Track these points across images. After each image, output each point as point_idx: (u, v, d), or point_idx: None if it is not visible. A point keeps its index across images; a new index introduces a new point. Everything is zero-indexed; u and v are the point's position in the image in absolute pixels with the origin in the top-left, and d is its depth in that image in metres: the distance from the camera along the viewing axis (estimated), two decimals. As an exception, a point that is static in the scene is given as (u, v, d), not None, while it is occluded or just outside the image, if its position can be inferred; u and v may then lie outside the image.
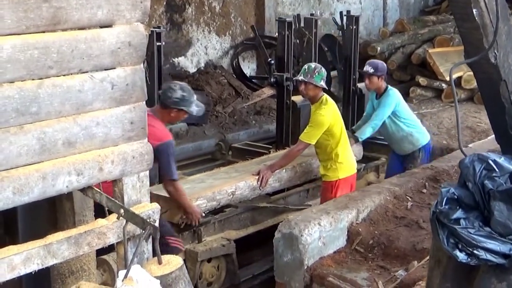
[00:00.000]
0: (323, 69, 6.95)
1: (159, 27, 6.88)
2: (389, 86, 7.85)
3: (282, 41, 8.29)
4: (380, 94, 7.79)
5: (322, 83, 6.82)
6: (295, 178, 7.28)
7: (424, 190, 6.87)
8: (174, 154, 5.54)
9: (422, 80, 12.02)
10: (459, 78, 11.52)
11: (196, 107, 5.68)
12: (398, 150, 7.97)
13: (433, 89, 12.11)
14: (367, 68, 7.71)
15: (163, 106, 5.58)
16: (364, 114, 8.21)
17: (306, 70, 6.82)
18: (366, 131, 7.71)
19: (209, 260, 6.24)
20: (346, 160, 6.96)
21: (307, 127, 6.87)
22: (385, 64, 8.08)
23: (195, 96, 5.74)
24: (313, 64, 7.04)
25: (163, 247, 5.37)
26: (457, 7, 4.60)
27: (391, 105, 7.67)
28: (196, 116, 6.04)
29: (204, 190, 6.35)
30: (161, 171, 5.45)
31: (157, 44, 6.64)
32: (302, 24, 8.64)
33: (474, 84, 10.45)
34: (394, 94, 7.73)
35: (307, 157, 7.38)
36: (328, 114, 6.79)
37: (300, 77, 6.86)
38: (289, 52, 8.27)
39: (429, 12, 15.46)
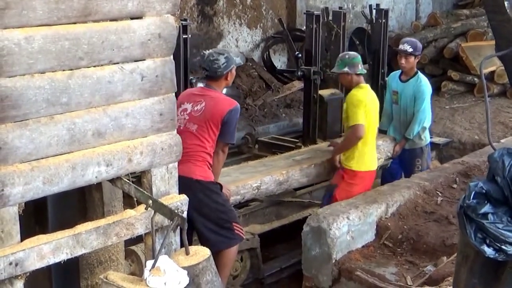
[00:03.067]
0: (347, 55, 6.97)
1: (185, 20, 6.86)
2: (418, 71, 7.56)
3: (310, 34, 8.24)
4: (409, 76, 7.43)
5: (346, 69, 6.78)
6: (324, 174, 7.24)
7: (455, 185, 6.81)
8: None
9: (454, 75, 11.90)
10: (492, 72, 11.38)
11: (237, 57, 5.81)
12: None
13: (465, 84, 11.98)
14: (405, 47, 7.32)
15: (216, 77, 5.60)
16: (384, 107, 7.87)
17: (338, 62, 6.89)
18: (414, 129, 7.37)
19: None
20: (369, 154, 6.85)
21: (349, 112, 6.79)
22: (421, 44, 7.77)
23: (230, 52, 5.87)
24: (340, 55, 7.12)
25: (229, 233, 5.43)
26: (489, -1, 4.55)
27: (428, 96, 7.38)
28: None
29: (228, 184, 6.33)
30: (223, 136, 5.44)
31: (184, 36, 6.63)
32: (330, 18, 8.59)
33: (506, 78, 10.32)
34: (428, 84, 7.50)
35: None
36: (363, 95, 6.78)
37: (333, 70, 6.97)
38: (317, 45, 8.21)
39: (462, 6, 15.27)
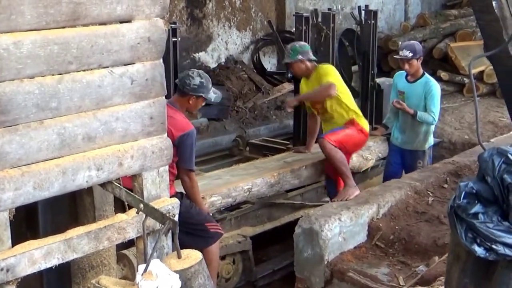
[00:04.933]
0: (297, 44, 7.32)
1: (175, 23, 6.86)
2: (425, 73, 7.57)
3: (299, 36, 8.25)
4: (416, 77, 7.42)
5: (300, 57, 7.08)
6: (315, 176, 7.25)
7: (446, 185, 6.83)
8: (195, 145, 5.53)
9: (443, 75, 11.94)
10: (481, 72, 11.44)
11: (213, 94, 5.67)
12: (408, 142, 7.56)
13: (455, 84, 12.03)
14: (405, 53, 7.30)
15: (181, 94, 5.54)
16: (391, 107, 7.92)
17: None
18: (425, 116, 7.33)
19: (224, 257, 6.22)
20: (363, 117, 7.20)
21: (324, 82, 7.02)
22: (420, 44, 7.82)
23: (211, 84, 5.76)
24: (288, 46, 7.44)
25: (204, 234, 5.41)
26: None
27: (439, 96, 7.42)
28: (217, 111, 6.06)
29: (219, 186, 6.33)
30: (180, 161, 5.40)
31: (173, 40, 6.63)
32: (319, 19, 8.60)
33: (496, 78, 10.36)
34: (438, 85, 7.49)
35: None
36: (328, 67, 7.18)
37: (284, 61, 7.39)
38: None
39: (451, 6, 15.34)
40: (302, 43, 7.48)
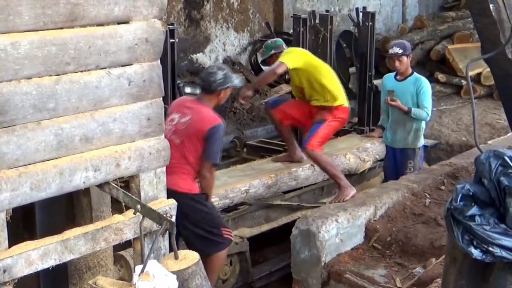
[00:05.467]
0: (269, 41, 7.50)
1: (172, 24, 6.86)
2: (414, 71, 7.68)
3: (297, 37, 8.26)
4: (405, 75, 7.54)
5: (273, 51, 7.20)
6: (313, 177, 7.25)
7: (443, 187, 6.83)
8: (221, 139, 5.57)
9: (441, 77, 11.95)
10: (479, 74, 11.44)
11: (236, 79, 5.75)
12: (399, 141, 7.61)
13: (452, 86, 12.04)
14: (395, 50, 7.47)
15: (209, 92, 5.56)
16: (382, 106, 7.99)
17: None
18: (418, 111, 7.41)
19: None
20: (341, 92, 7.17)
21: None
22: (409, 43, 7.95)
23: (230, 71, 5.85)
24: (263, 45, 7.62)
25: (218, 238, 5.43)
26: (474, 2, 4.59)
27: (430, 93, 7.53)
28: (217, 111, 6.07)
29: (216, 187, 6.31)
30: (206, 154, 5.38)
31: (171, 41, 6.62)
32: (317, 21, 8.61)
33: (493, 80, 10.37)
34: (428, 82, 7.62)
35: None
36: (292, 49, 7.31)
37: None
38: (304, 48, 8.23)
39: (448, 8, 15.36)
40: (274, 39, 7.64)
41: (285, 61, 6.83)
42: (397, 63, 7.49)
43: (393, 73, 7.72)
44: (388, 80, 7.73)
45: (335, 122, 7.07)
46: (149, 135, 4.16)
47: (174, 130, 5.41)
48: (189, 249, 5.32)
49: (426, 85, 7.49)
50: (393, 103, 7.39)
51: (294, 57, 7.00)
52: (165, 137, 4.96)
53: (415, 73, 7.63)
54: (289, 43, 10.81)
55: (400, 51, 7.43)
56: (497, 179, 3.40)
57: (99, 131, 3.88)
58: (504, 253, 3.37)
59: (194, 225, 5.32)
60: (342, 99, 7.10)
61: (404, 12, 15.19)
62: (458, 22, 13.13)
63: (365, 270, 5.62)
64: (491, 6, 4.35)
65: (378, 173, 8.20)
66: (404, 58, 7.46)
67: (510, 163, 3.42)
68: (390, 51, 7.57)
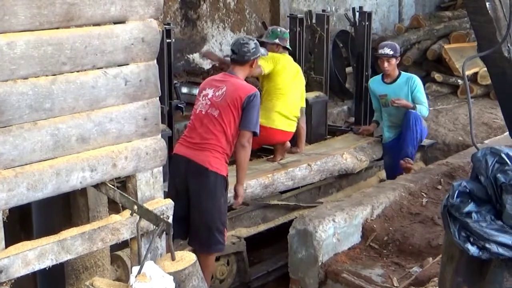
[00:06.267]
0: (279, 29, 7.52)
1: (169, 24, 6.85)
2: (401, 71, 7.79)
3: (293, 37, 8.25)
4: (394, 77, 7.66)
5: (277, 41, 7.25)
6: (309, 177, 7.25)
7: (439, 187, 6.84)
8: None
9: (437, 76, 11.95)
10: (475, 74, 11.45)
11: (262, 49, 5.91)
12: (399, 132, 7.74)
13: (449, 85, 12.04)
14: (385, 51, 7.56)
15: (242, 62, 5.61)
16: (375, 107, 8.04)
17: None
18: (421, 108, 7.53)
19: (218, 258, 6.20)
20: (275, 113, 7.12)
21: None
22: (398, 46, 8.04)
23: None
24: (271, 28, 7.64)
25: (220, 236, 5.43)
26: (470, 0, 4.59)
27: (423, 89, 7.63)
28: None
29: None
30: (245, 123, 5.38)
31: (167, 41, 6.61)
32: (314, 21, 8.61)
33: (490, 80, 10.38)
34: (418, 77, 7.70)
35: (323, 156, 7.37)
36: (279, 55, 7.22)
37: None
38: (300, 48, 8.24)
39: (444, 8, 15.36)
40: (285, 30, 7.62)
41: (264, 66, 6.96)
42: (386, 64, 7.59)
43: (379, 77, 7.79)
44: (376, 84, 7.80)
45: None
46: (145, 135, 4.15)
47: (210, 104, 5.41)
48: (189, 239, 5.36)
49: (418, 82, 7.61)
50: (400, 102, 7.44)
51: (272, 68, 7.10)
52: (200, 112, 5.22)
53: (402, 72, 7.75)
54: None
55: (391, 52, 7.53)
56: (494, 176, 3.41)
57: (96, 131, 3.88)
58: (500, 250, 3.38)
59: (206, 213, 5.30)
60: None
61: (401, 12, 15.19)
62: (454, 22, 13.13)
63: (362, 269, 5.62)
64: (487, 4, 4.36)
65: (375, 172, 8.20)
66: (393, 60, 7.58)
67: (506, 160, 3.42)
68: (380, 51, 7.63)
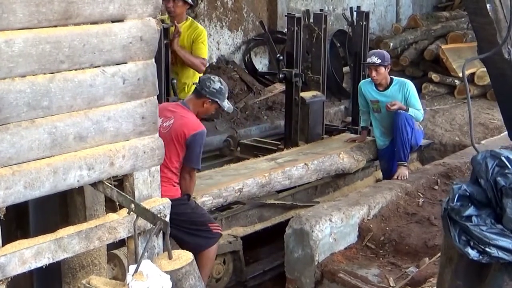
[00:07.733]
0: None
1: (167, 23, 6.84)
2: (393, 77, 7.56)
3: (291, 37, 8.24)
4: (386, 85, 7.40)
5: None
6: (306, 176, 7.24)
7: (436, 187, 6.85)
8: (203, 145, 5.55)
9: (434, 76, 11.96)
10: (472, 74, 11.45)
11: (227, 104, 5.69)
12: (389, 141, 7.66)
13: (446, 86, 12.05)
14: (373, 59, 7.26)
15: (198, 95, 5.55)
16: (363, 110, 7.92)
17: None
18: (415, 111, 7.37)
19: (215, 257, 6.19)
20: None
21: (198, 44, 6.97)
22: (389, 54, 7.71)
23: (227, 93, 5.76)
24: None
25: (207, 234, 5.43)
26: (471, 2, 4.59)
27: (417, 94, 7.43)
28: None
29: (210, 187, 6.30)
30: (187, 160, 5.40)
31: (165, 42, 6.59)
32: (311, 20, 8.60)
33: (487, 80, 10.38)
34: (411, 82, 7.54)
35: (320, 155, 7.36)
36: (205, 33, 7.12)
37: None
38: (298, 48, 8.22)
39: (442, 8, 15.39)
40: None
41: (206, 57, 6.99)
42: (373, 73, 7.32)
43: (369, 79, 7.58)
44: (368, 90, 7.59)
45: None
46: (143, 134, 4.15)
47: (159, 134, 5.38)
48: (181, 248, 5.34)
49: (411, 87, 7.39)
50: (394, 107, 7.28)
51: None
52: None
53: (394, 78, 7.52)
54: (283, 42, 10.88)
55: (378, 60, 7.24)
56: (494, 180, 3.40)
57: (93, 129, 3.87)
58: (501, 254, 3.37)
59: (181, 227, 5.28)
60: None
61: (398, 12, 15.22)
62: (451, 22, 13.15)
63: (359, 269, 5.63)
64: (488, 5, 4.35)
65: (372, 172, 8.19)
66: (382, 69, 7.27)
67: (506, 163, 3.41)
68: (368, 59, 7.40)
